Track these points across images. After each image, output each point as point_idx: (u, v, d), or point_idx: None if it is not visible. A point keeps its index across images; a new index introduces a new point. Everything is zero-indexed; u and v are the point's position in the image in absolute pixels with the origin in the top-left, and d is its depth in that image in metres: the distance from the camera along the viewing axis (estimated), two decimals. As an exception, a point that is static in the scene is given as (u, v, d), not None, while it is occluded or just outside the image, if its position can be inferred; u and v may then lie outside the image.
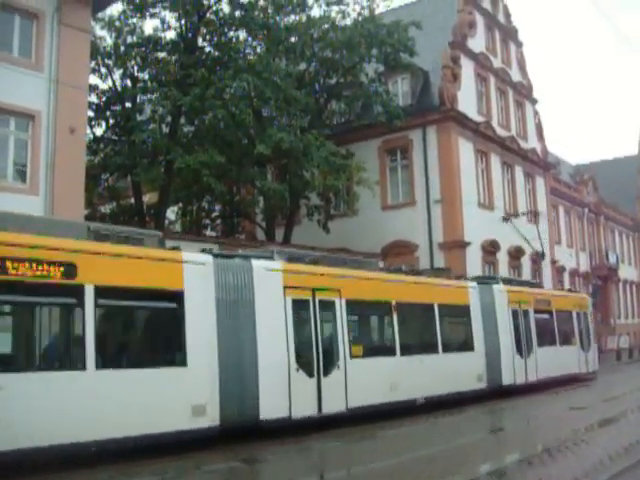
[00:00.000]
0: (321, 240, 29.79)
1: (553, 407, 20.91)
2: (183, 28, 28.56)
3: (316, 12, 31.63)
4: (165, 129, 28.93)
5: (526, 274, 38.25)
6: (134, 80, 29.32)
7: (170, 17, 28.81)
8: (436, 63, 33.57)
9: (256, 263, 15.12)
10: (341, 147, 29.91)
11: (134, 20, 28.68)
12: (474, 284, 22.79)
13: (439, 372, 19.49)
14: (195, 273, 13.84)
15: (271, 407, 14.43)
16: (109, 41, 28.81)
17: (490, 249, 34.14)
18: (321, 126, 30.64)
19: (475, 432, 16.53)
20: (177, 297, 13.42)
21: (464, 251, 31.71)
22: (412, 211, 32.59)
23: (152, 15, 28.56)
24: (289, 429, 14.68)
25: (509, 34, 41.31)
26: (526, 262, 38.52)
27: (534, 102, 43.43)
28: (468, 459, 12.72)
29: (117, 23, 28.39)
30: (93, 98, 28.29)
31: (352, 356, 16.72)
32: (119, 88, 29.24)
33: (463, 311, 21.75)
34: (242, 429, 13.99)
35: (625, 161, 70.30)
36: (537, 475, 10.85)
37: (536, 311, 25.31)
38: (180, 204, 34.37)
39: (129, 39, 28.74)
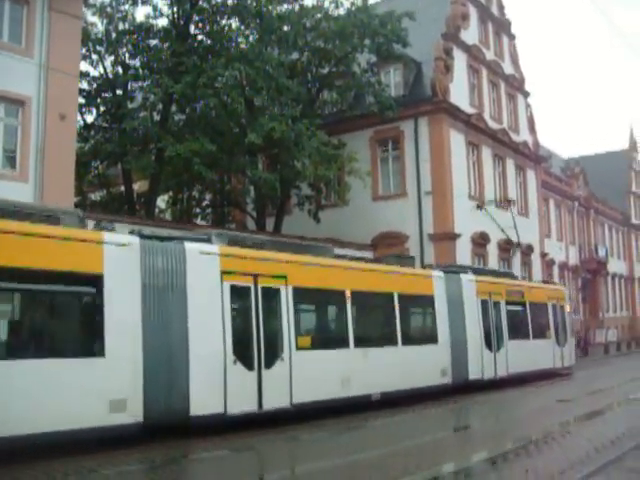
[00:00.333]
0: (312, 230, 29.76)
1: (520, 405, 20.68)
2: (175, 15, 28.41)
3: (309, 1, 31.68)
4: (156, 117, 28.83)
5: (516, 267, 38.34)
6: (125, 67, 29.18)
7: (162, 4, 28.70)
8: (429, 54, 33.51)
9: (189, 246, 14.08)
10: (333, 137, 29.84)
11: (126, 7, 28.56)
12: (439, 273, 21.64)
13: (398, 366, 18.38)
14: (117, 256, 12.74)
15: (204, 402, 13.39)
16: (100, 27, 28.70)
17: (480, 241, 34.20)
18: (313, 116, 30.55)
19: (431, 432, 15.54)
20: (95, 281, 12.34)
21: (454, 243, 31.75)
22: (403, 202, 32.60)
23: (144, 2, 28.41)
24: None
25: (502, 27, 41.29)
26: (516, 254, 38.59)
27: (526, 95, 43.46)
28: (424, 459, 11.70)
29: (109, 9, 28.25)
30: (84, 85, 28.18)
31: (298, 348, 15.63)
32: (110, 75, 29.12)
33: (426, 301, 20.70)
34: (170, 426, 13.01)
35: (616, 155, 70.46)
36: None
37: (508, 303, 24.39)
38: (171, 192, 34.30)
39: (121, 26, 28.59)
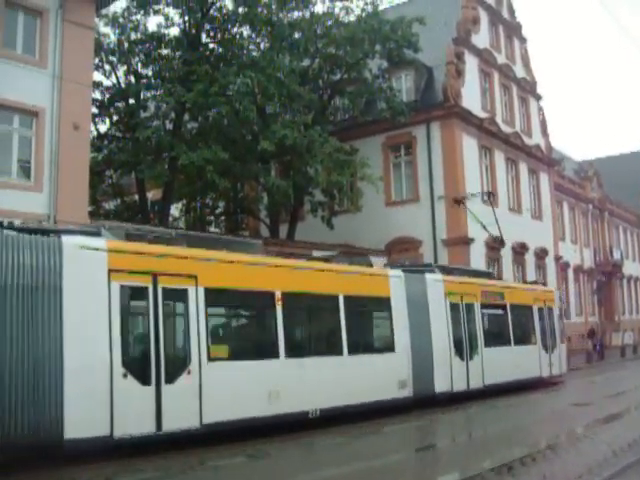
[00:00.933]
0: (325, 236, 29.82)
1: (491, 422, 18.12)
2: (186, 24, 28.57)
3: (320, 8, 31.70)
4: (169, 125, 28.97)
5: (530, 270, 38.26)
6: (138, 77, 29.33)
7: (173, 13, 28.89)
8: (440, 59, 33.53)
9: (67, 240, 12.05)
10: (345, 143, 29.88)
11: (138, 17, 28.72)
12: (398, 272, 19.19)
13: (342, 378, 16.22)
14: None
15: (82, 423, 11.36)
16: (113, 38, 28.89)
17: (494, 245, 34.08)
18: (325, 122, 30.63)
19: (386, 453, 13.41)
20: None
21: (468, 247, 31.69)
22: (416, 207, 32.60)
23: (155, 12, 28.56)
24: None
25: (513, 30, 41.23)
26: (530, 258, 38.50)
27: (538, 98, 43.37)
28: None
29: (121, 20, 28.42)
30: (97, 95, 28.34)
31: (211, 359, 13.48)
32: (123, 85, 29.28)
33: (381, 304, 18.33)
34: (40, 452, 11.24)
35: (629, 157, 70.26)
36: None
37: (484, 305, 22.08)
38: (184, 201, 34.39)
39: (133, 36, 28.76)
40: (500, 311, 23.38)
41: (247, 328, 16.33)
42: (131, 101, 29.00)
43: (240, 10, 27.92)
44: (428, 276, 20.19)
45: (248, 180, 31.75)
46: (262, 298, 15.36)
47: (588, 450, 12.28)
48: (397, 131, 32.87)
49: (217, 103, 25.46)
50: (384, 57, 31.80)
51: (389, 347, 18.20)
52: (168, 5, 28.30)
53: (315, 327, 17.30)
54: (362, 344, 17.79)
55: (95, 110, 27.88)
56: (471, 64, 35.01)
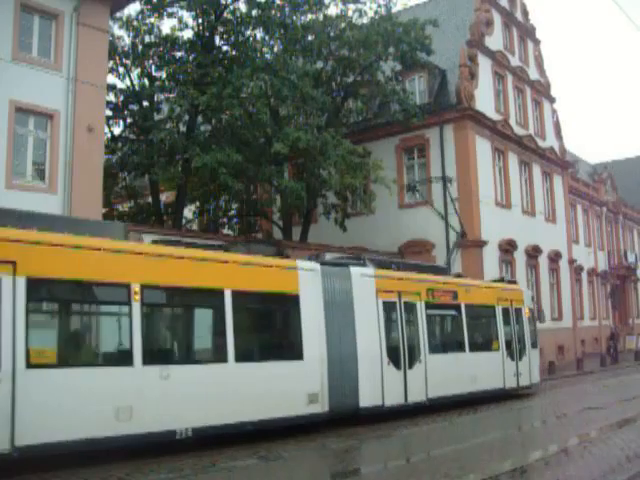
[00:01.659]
0: (338, 239, 29.82)
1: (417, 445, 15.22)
2: (200, 27, 28.68)
3: (333, 11, 31.83)
4: (182, 128, 29.06)
5: (544, 274, 38.13)
6: (151, 79, 29.48)
7: (187, 16, 29.02)
8: (453, 61, 33.50)
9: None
10: (358, 145, 29.84)
11: (152, 19, 28.84)
12: (310, 265, 16.52)
13: (226, 391, 13.66)
14: None
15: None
16: (127, 40, 29.04)
17: (507, 248, 34.02)
18: (338, 125, 30.64)
19: None
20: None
21: (481, 250, 31.60)
22: (429, 210, 32.51)
23: (169, 15, 28.68)
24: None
25: (527, 32, 41.13)
26: (544, 261, 38.38)
27: (552, 100, 43.24)
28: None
29: (135, 23, 28.56)
30: (111, 97, 28.47)
31: (31, 365, 10.99)
32: (137, 87, 29.41)
33: (286, 303, 15.73)
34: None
35: (644, 160, 69.83)
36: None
37: (430, 305, 19.42)
38: (197, 203, 34.51)
39: (147, 38, 28.88)
40: (452, 312, 20.85)
41: (88, 328, 13.28)
42: (145, 103, 29.13)
43: (253, 13, 27.98)
44: (354, 270, 17.37)
45: (261, 182, 31.80)
46: (112, 291, 12.70)
47: None
48: (410, 133, 32.85)
49: (230, 106, 25.51)
50: (397, 59, 31.76)
51: (295, 354, 15.34)
52: (182, 8, 28.42)
53: (189, 328, 14.68)
54: (256, 350, 15.24)
55: (109, 112, 28.03)
56: (484, 66, 34.94)
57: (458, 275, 23.93)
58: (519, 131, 37.42)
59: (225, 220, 35.75)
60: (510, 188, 35.55)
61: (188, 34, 29.68)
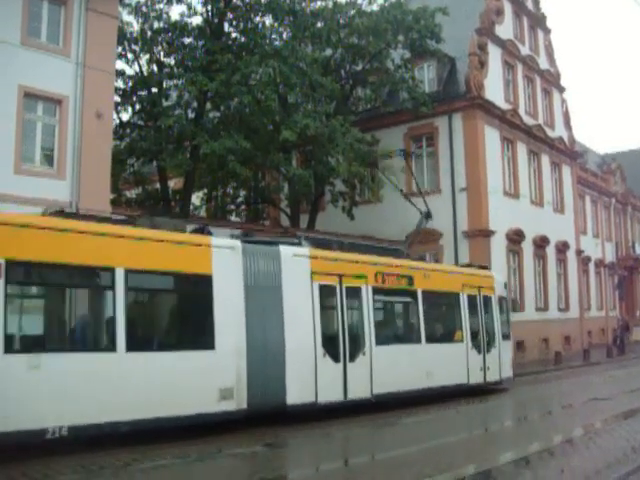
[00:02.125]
0: (346, 227, 29.80)
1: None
2: (209, 14, 28.59)
3: (342, -3, 31.55)
4: (191, 115, 29.02)
5: (551, 264, 38.05)
6: (160, 65, 29.41)
7: (196, 2, 28.91)
8: (463, 50, 33.30)
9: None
10: (367, 133, 29.80)
11: (161, 5, 28.73)
12: (228, 242, 14.66)
13: (113, 384, 11.95)
14: None
15: None
16: (136, 27, 28.89)
17: (515, 238, 33.94)
18: (347, 112, 30.55)
19: None
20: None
21: (488, 240, 31.55)
22: (437, 199, 32.38)
23: (179, 1, 28.60)
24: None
25: (537, 21, 40.89)
26: (552, 252, 38.29)
27: (562, 90, 43.02)
28: None
29: (144, 8, 28.45)
30: (120, 83, 28.41)
31: None
32: (145, 73, 29.35)
33: (195, 284, 14.02)
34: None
35: (654, 150, 69.44)
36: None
37: (379, 291, 17.53)
38: (205, 190, 34.52)
39: (155, 24, 28.79)
40: (406, 299, 18.99)
41: None
42: (153, 90, 29.08)
43: (263, -1, 27.91)
44: (284, 250, 15.47)
45: (269, 170, 31.79)
46: None
47: None
48: (419, 122, 32.72)
49: (239, 92, 25.46)
50: (407, 47, 31.64)
51: (204, 344, 13.55)
52: (191, -6, 28.35)
53: (69, 312, 12.99)
54: (155, 338, 13.67)
55: (118, 98, 27.98)
56: (494, 55, 34.75)
57: (420, 259, 21.60)
58: (528, 121, 37.26)
59: (233, 207, 35.76)
60: (519, 178, 35.45)
61: (197, 20, 29.69)
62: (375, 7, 31.22)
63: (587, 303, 44.91)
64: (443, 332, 20.42)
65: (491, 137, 33.10)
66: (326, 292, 16.14)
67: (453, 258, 31.24)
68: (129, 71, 29.51)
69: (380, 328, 17.63)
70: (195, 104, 28.61)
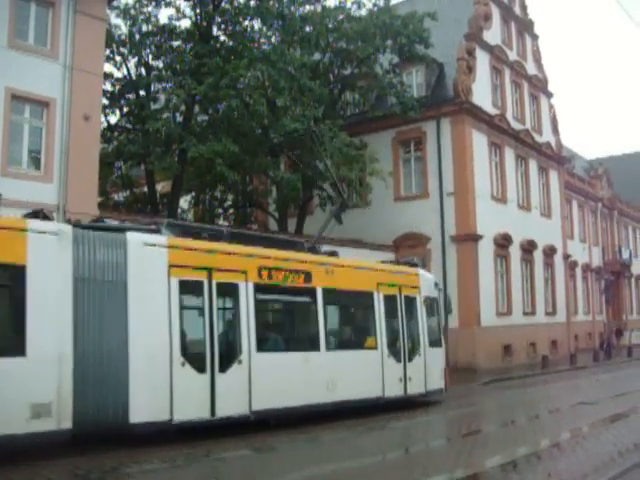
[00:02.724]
0: (334, 231, 29.49)
1: None
2: (198, 17, 28.60)
3: (331, 2, 31.80)
4: (179, 118, 29.00)
5: (538, 268, 38.17)
6: (148, 69, 29.39)
7: (185, 6, 28.96)
8: (451, 55, 33.40)
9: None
10: (355, 138, 29.85)
11: (149, 8, 28.79)
12: (53, 227, 12.26)
13: None
14: None
15: None
16: (124, 29, 28.92)
17: (502, 242, 34.02)
18: (335, 117, 30.59)
19: None
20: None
21: (476, 244, 31.60)
22: (425, 203, 32.50)
23: (167, 4, 28.63)
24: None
25: (525, 27, 41.04)
26: (539, 256, 38.40)
27: (549, 95, 43.19)
28: None
29: (132, 11, 28.46)
30: (108, 86, 28.42)
31: None
32: (134, 76, 29.34)
33: (2, 277, 11.62)
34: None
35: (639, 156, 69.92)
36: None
37: (263, 288, 14.85)
38: (193, 193, 34.47)
39: (144, 27, 28.79)
40: (302, 299, 16.33)
41: None
42: (142, 93, 29.06)
43: (251, 3, 27.94)
44: (133, 237, 12.92)
45: (257, 173, 31.79)
46: None
47: None
48: (407, 126, 32.79)
49: (227, 96, 25.46)
50: (395, 52, 31.76)
51: (11, 349, 11.16)
52: (179, -3, 28.35)
53: None
54: None
55: (105, 101, 27.95)
56: (482, 60, 34.87)
57: (332, 253, 18.38)
58: (516, 126, 37.40)
59: (221, 211, 35.71)
60: (506, 183, 35.54)
61: (186, 24, 29.62)
62: (364, 12, 31.32)
63: (574, 307, 45.06)
64: (351, 337, 17.80)
65: (479, 142, 33.19)
66: (190, 289, 13.60)
67: (441, 262, 31.31)
68: (117, 74, 29.59)
69: (265, 333, 15.23)
70: (183, 107, 28.57)
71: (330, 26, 30.14)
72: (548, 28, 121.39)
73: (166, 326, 12.89)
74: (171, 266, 13.17)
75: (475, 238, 31.51)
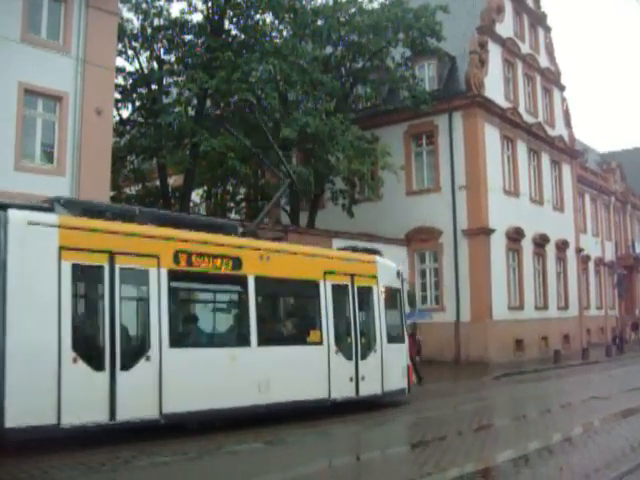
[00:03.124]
0: (345, 225, 29.82)
1: None
2: (209, 11, 28.57)
3: (343, -5, 31.54)
4: (191, 112, 29.03)
5: (551, 262, 38.06)
6: (160, 62, 29.43)
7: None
8: (463, 48, 33.29)
9: None
10: (366, 131, 29.84)
11: (161, 2, 28.76)
12: None
13: None
14: None
15: None
16: (136, 23, 28.94)
17: (515, 236, 33.92)
18: (347, 110, 30.55)
19: None
20: None
21: (488, 238, 31.53)
22: (437, 197, 32.45)
23: (179, -3, 28.62)
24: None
25: (538, 19, 40.85)
26: (551, 250, 38.28)
27: (562, 88, 42.99)
28: None
29: (144, 5, 28.47)
30: (120, 80, 28.45)
31: None
32: (145, 70, 29.38)
33: None
34: None
35: (655, 149, 69.46)
36: None
37: (179, 276, 13.23)
38: (205, 187, 34.51)
39: (156, 21, 28.81)
40: (230, 287, 14.72)
41: None
42: (153, 87, 29.10)
43: (263, -4, 27.88)
44: (14, 215, 11.23)
45: (269, 167, 31.78)
46: None
47: None
48: (419, 120, 32.72)
49: (239, 90, 25.46)
50: (407, 45, 31.65)
51: None
52: (191, -9, 28.33)
53: None
54: None
55: (118, 95, 28.00)
56: (495, 53, 34.72)
57: (278, 239, 16.48)
58: (528, 119, 37.25)
59: (233, 204, 35.74)
60: (518, 176, 35.44)
61: (197, 17, 29.62)
62: (376, 5, 31.32)
63: (586, 302, 44.92)
64: (291, 332, 15.86)
65: (491, 135, 33.09)
66: (86, 275, 12.08)
67: (453, 256, 31.29)
68: (129, 68, 29.59)
69: (181, 326, 13.76)
70: (195, 101, 28.60)
71: (342, 19, 30.13)
72: (561, 20, 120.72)
73: (54, 317, 11.23)
74: (63, 248, 11.46)
75: (487, 232, 31.43)
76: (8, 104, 18.73)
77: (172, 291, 12.98)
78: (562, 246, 39.58)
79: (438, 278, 32.24)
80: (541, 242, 36.83)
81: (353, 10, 30.36)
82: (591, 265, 47.42)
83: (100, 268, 11.91)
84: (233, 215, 35.20)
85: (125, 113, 30.40)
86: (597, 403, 18.34)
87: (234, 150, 24.93)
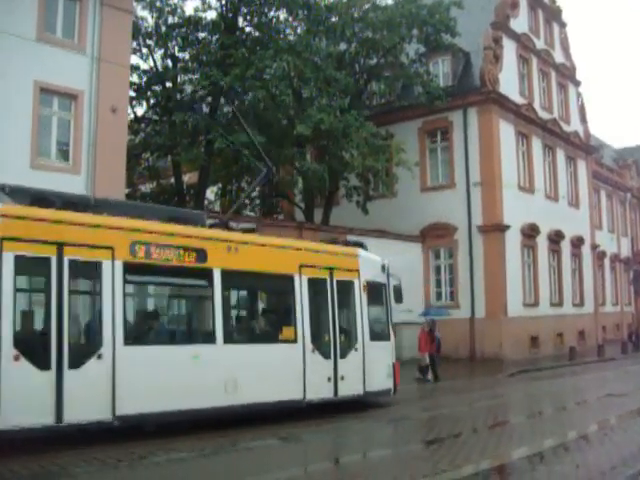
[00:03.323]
0: (360, 221, 29.80)
1: None
2: (223, 8, 28.67)
3: (357, -9, 31.48)
4: (205, 109, 29.10)
5: (566, 259, 37.90)
6: (175, 60, 29.53)
7: (210, -3, 28.96)
8: (477, 44, 33.15)
9: None
10: (381, 128, 29.79)
11: (175, 0, 28.85)
12: None
13: None
14: None
15: None
16: (150, 21, 29.12)
17: (530, 232, 33.80)
18: (361, 107, 30.53)
19: None
20: None
21: (503, 235, 31.42)
22: (451, 193, 32.37)
23: (193, -5, 28.68)
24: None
25: (553, 14, 40.61)
26: (567, 246, 38.11)
27: (577, 84, 42.76)
28: None
29: (158, 3, 28.62)
30: (134, 78, 28.62)
31: None
32: (160, 68, 29.49)
33: None
34: None
35: (671, 144, 68.88)
36: None
37: (136, 268, 12.34)
38: (220, 184, 34.59)
39: (170, 19, 28.94)
40: (193, 281, 13.85)
41: None
42: (168, 84, 29.19)
43: (277, -7, 27.90)
44: None
45: (283, 164, 31.84)
46: None
47: None
48: (433, 116, 32.65)
49: (253, 87, 25.52)
50: (421, 41, 31.58)
51: None
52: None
53: None
54: None
55: (132, 93, 28.15)
56: (509, 49, 34.58)
57: (251, 230, 16.47)
58: (543, 115, 37.07)
59: (247, 201, 35.81)
60: (533, 172, 35.30)
61: (211, 15, 29.78)
62: (390, 1, 31.23)
63: (602, 298, 44.72)
64: (261, 329, 15.09)
65: (506, 131, 32.95)
66: (31, 267, 11.42)
67: (468, 252, 31.23)
68: (144, 66, 29.74)
69: (138, 322, 13.20)
70: (210, 99, 28.67)
71: (356, 16, 30.11)
72: (576, 15, 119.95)
73: None
74: (4, 239, 10.65)
75: (502, 228, 31.33)
76: (24, 103, 18.84)
77: (128, 285, 12.30)
78: (577, 242, 39.39)
79: (453, 274, 32.18)
80: (556, 238, 36.66)
81: (367, 6, 30.33)
82: (607, 261, 47.19)
83: (47, 260, 11.10)
84: (248, 212, 35.28)
85: (140, 111, 30.63)
86: (613, 400, 18.24)
87: (248, 147, 24.97)
